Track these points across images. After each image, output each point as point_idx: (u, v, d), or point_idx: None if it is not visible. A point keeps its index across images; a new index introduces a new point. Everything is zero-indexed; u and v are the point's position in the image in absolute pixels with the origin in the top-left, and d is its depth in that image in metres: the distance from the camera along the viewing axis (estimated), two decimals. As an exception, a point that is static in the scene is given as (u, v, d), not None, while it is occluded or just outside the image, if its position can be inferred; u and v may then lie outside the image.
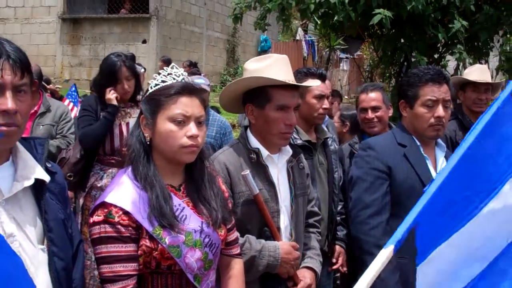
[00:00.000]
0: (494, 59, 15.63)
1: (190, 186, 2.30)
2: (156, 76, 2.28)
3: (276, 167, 2.89)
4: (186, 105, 2.18)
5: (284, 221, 2.88)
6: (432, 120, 3.06)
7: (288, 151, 2.93)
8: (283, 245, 2.77)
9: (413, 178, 3.04)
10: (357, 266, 3.16)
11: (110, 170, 4.50)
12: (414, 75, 3.15)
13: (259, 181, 2.78)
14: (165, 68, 2.31)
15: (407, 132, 3.19)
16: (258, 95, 2.80)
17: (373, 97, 4.20)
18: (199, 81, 5.62)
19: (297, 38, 21.73)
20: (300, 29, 21.51)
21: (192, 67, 13.53)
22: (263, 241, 2.76)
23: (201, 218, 2.24)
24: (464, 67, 13.37)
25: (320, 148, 3.78)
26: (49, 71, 16.35)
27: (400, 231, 1.43)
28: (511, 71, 15.11)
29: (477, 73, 4.68)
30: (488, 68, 13.16)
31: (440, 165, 3.18)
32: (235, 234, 2.52)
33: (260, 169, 2.82)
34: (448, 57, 10.22)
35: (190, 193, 2.29)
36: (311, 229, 3.18)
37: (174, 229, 2.13)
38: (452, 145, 4.43)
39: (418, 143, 3.15)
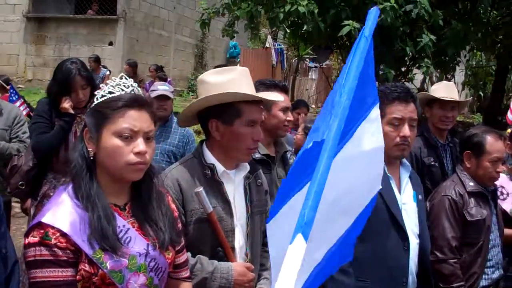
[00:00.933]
0: (460, 74, 15.86)
1: (136, 206, 2.14)
2: (103, 86, 2.12)
3: (233, 184, 2.75)
4: (134, 119, 2.02)
5: (239, 240, 2.74)
6: (398, 139, 2.97)
7: (245, 167, 2.80)
8: (237, 266, 2.65)
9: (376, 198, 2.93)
10: None
11: (63, 179, 4.33)
12: (381, 93, 3.04)
13: (213, 198, 2.64)
14: (113, 78, 2.15)
15: None
16: (226, 110, 2.64)
17: None
18: (163, 87, 5.49)
19: (267, 45, 21.70)
20: (269, 37, 21.49)
21: (159, 71, 13.41)
22: (215, 262, 2.62)
23: (147, 240, 2.09)
24: (431, 81, 13.54)
25: (279, 162, 3.69)
26: (11, 70, 16.07)
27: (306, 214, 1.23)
28: (477, 86, 15.36)
29: (444, 90, 4.62)
30: (454, 82, 13.35)
31: (404, 185, 3.10)
32: (185, 256, 2.37)
33: (215, 185, 2.68)
34: (415, 70, 10.29)
35: (136, 213, 2.13)
36: (267, 248, 3.05)
37: (117, 253, 1.97)
38: (417, 163, 4.36)
39: None
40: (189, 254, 2.49)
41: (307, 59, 21.10)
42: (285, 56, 21.76)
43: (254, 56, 21.33)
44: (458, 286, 3.43)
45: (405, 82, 10.78)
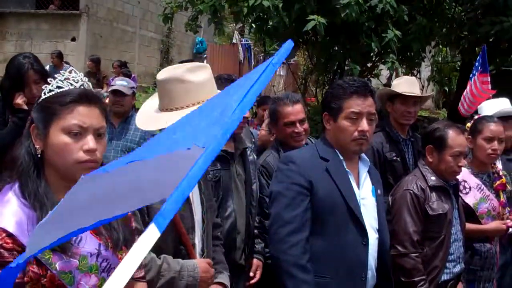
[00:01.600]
0: (426, 69, 15.99)
1: None
2: (51, 80, 2.04)
3: None
4: (83, 115, 1.94)
5: (198, 236, 2.74)
6: (356, 134, 2.95)
7: None
8: (201, 263, 2.63)
9: (334, 193, 2.93)
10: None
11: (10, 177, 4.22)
12: (339, 87, 3.04)
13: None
14: (61, 72, 2.07)
15: (330, 146, 3.07)
16: None
17: (299, 109, 4.03)
18: (120, 83, 5.40)
19: (234, 41, 21.61)
20: (236, 32, 21.39)
21: (123, 68, 13.26)
22: (181, 260, 2.60)
23: (99, 240, 2.02)
24: (397, 77, 13.63)
25: (238, 159, 3.63)
26: (-30, 67, 15.70)
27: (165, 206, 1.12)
28: (442, 82, 15.52)
29: (406, 85, 4.62)
30: (420, 78, 13.43)
31: (363, 180, 3.09)
32: None
33: None
34: (381, 66, 10.33)
35: None
36: (216, 242, 3.05)
37: (67, 253, 1.90)
38: (379, 158, 4.36)
39: (341, 157, 3.03)
40: (153, 255, 2.47)
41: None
42: (252, 52, 21.67)
43: (221, 52, 21.19)
44: (419, 280, 3.43)
45: (371, 78, 10.83)
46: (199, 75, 2.63)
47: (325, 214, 2.91)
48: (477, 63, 6.12)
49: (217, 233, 3.10)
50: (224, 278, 2.94)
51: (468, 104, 5.78)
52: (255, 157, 3.99)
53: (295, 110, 3.99)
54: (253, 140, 5.31)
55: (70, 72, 2.05)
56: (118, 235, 2.07)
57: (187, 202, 2.65)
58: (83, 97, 1.97)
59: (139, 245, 1.08)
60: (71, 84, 2.01)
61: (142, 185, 1.28)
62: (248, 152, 3.78)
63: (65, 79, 2.02)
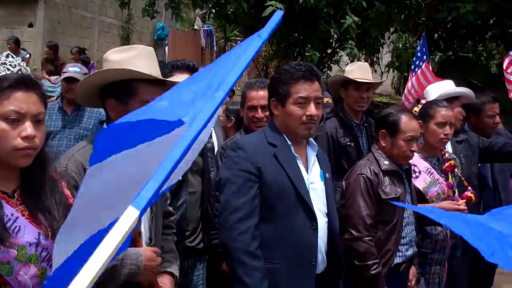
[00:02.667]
0: (386, 56, 16.13)
1: (26, 193, 2.01)
2: (-14, 66, 1.98)
3: None
4: (21, 101, 1.89)
5: (145, 224, 2.70)
6: (304, 118, 2.97)
7: None
8: (146, 251, 2.58)
9: (283, 179, 2.93)
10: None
11: None
12: (286, 72, 3.04)
13: (117, 181, 2.55)
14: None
15: (278, 132, 3.07)
16: (122, 88, 2.54)
17: (263, 95, 4.01)
18: (73, 69, 5.33)
19: (196, 27, 21.43)
20: (198, 18, 21.21)
21: (82, 54, 13.03)
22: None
23: (39, 229, 1.97)
24: (358, 63, 13.60)
25: None
26: None
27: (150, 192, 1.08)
28: (401, 68, 15.68)
29: (358, 71, 4.65)
30: (379, 64, 13.47)
31: (311, 164, 3.10)
32: None
33: None
34: (342, 52, 10.38)
35: (26, 201, 2.00)
36: (167, 231, 3.01)
37: (4, 243, 1.85)
38: (333, 143, 4.39)
39: (289, 143, 3.04)
40: None
41: (239, 41, 20.97)
42: (214, 38, 21.54)
43: (182, 38, 20.99)
44: (373, 263, 3.46)
45: (331, 64, 10.86)
46: (121, 54, 2.62)
47: (274, 199, 2.92)
48: (419, 54, 6.18)
49: (169, 222, 3.05)
50: (173, 267, 2.90)
51: (413, 95, 5.83)
52: (214, 144, 3.98)
53: (259, 95, 3.98)
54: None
55: (7, 56, 2.00)
56: (58, 225, 2.02)
57: None
58: (21, 83, 1.92)
59: (119, 227, 1.04)
60: (8, 69, 1.96)
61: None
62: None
63: (1, 64, 1.97)
